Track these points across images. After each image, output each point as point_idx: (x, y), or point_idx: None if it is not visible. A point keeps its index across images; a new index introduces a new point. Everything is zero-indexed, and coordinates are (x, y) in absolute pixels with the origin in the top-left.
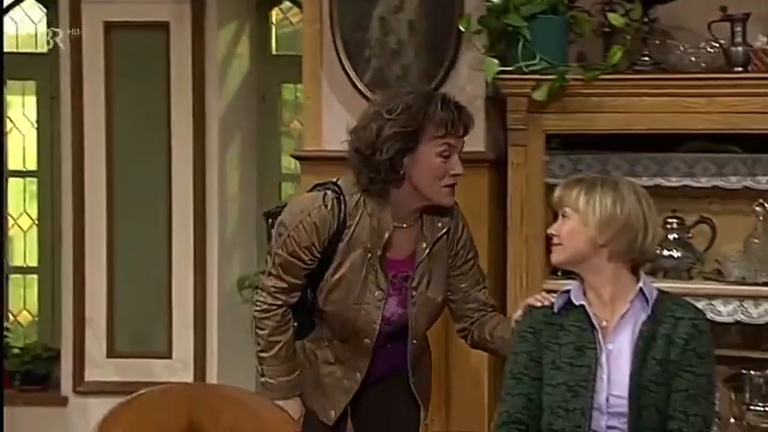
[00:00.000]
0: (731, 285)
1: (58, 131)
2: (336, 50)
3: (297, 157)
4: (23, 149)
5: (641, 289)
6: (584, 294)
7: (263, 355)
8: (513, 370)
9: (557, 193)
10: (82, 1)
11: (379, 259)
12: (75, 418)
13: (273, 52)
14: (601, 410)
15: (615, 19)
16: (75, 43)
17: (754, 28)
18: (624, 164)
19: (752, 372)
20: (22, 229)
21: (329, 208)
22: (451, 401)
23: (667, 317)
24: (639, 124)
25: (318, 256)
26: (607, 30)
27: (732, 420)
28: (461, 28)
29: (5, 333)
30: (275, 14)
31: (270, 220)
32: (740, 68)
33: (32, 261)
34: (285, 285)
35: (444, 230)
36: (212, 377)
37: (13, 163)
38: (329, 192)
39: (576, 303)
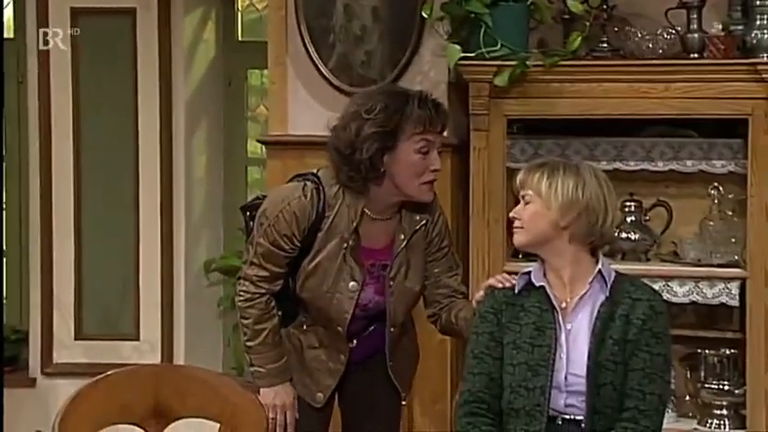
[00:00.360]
0: (687, 267)
1: (25, 116)
2: (301, 36)
3: (263, 142)
4: None
5: (600, 271)
6: (545, 276)
7: (249, 344)
8: (474, 350)
9: (519, 177)
10: None
11: (352, 249)
12: (44, 400)
13: (239, 38)
14: (560, 389)
15: (574, 6)
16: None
17: (710, 15)
18: (584, 148)
19: (706, 351)
20: None
21: (308, 198)
22: (415, 381)
23: (625, 298)
24: (599, 109)
25: (299, 244)
26: (567, 17)
27: (687, 398)
28: (424, 14)
29: None
30: (241, 1)
31: (248, 213)
32: (696, 55)
33: None
34: (267, 274)
35: (423, 222)
36: (179, 359)
37: None
38: (308, 182)
39: (537, 284)
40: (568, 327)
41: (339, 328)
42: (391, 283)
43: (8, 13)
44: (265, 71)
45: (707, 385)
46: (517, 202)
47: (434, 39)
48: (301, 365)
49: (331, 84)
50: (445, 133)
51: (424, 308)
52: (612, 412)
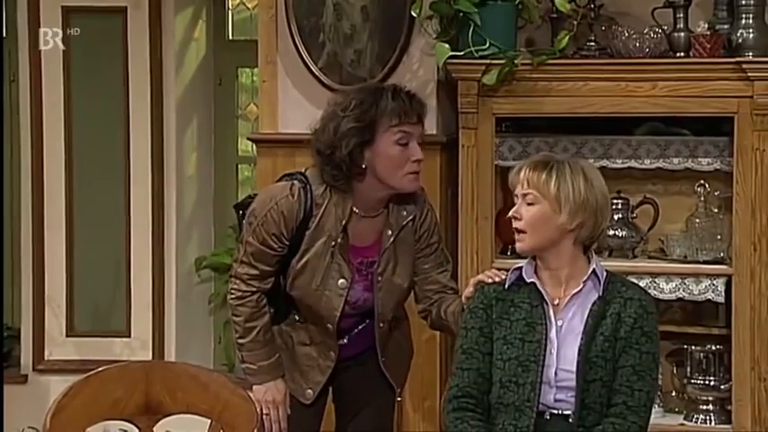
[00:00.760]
0: (673, 263)
1: (17, 114)
2: (291, 35)
3: (253, 140)
4: None
5: (594, 270)
6: (536, 272)
7: (241, 341)
8: (464, 345)
9: (520, 174)
10: None
11: (340, 247)
12: (35, 396)
13: (230, 37)
14: (550, 384)
15: (562, 5)
16: (34, 28)
17: (696, 14)
18: (572, 146)
19: (693, 347)
20: None
21: (296, 197)
22: None
23: (617, 297)
24: (586, 108)
25: (287, 243)
26: (554, 16)
27: (673, 393)
28: (413, 13)
29: None
30: (231, 0)
31: (241, 212)
32: (682, 54)
33: None
34: (257, 272)
35: (410, 217)
36: (170, 355)
37: None
38: (296, 182)
39: (528, 280)
40: (559, 323)
41: (329, 326)
42: (379, 278)
43: None
44: (256, 70)
45: (693, 381)
46: (508, 199)
47: (423, 37)
48: (292, 362)
49: (321, 82)
50: (426, 125)
51: (416, 303)
52: (601, 408)
